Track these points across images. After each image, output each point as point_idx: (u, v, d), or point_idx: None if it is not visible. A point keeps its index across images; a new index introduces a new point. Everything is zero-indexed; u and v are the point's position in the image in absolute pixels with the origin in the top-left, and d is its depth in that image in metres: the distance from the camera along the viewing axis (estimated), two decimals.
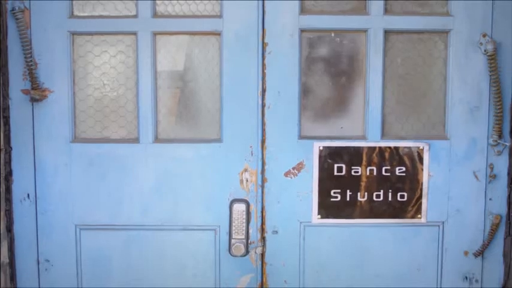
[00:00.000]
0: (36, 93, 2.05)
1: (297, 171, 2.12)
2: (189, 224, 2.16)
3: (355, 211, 2.15)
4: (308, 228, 2.15)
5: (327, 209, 2.14)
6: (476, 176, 2.15)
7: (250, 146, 2.11)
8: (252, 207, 2.14)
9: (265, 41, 2.07)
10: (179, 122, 2.18)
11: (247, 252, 2.14)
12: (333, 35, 2.12)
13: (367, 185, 2.14)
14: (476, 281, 2.20)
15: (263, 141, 2.12)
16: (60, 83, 2.10)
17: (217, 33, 2.09)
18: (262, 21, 2.07)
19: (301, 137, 2.13)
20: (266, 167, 2.12)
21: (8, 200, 2.11)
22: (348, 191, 2.14)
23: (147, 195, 2.14)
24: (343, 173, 2.13)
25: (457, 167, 2.15)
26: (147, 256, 2.18)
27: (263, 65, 2.08)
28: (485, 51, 2.07)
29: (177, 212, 2.15)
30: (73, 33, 2.10)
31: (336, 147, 2.12)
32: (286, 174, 2.13)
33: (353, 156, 2.13)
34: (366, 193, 2.14)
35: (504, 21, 2.08)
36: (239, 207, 2.12)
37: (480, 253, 2.17)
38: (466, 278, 2.20)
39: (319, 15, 2.10)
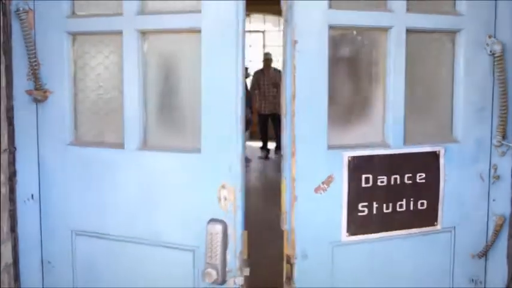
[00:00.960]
0: (39, 93, 1.99)
1: (326, 186, 1.88)
2: (167, 242, 1.91)
3: (380, 224, 1.98)
4: (337, 249, 1.93)
5: (355, 224, 1.94)
6: (482, 178, 2.13)
7: (229, 160, 1.81)
8: (230, 230, 1.83)
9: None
10: (165, 127, 1.99)
11: (223, 281, 1.81)
12: (355, 33, 1.92)
13: (392, 194, 1.98)
14: (481, 282, 2.18)
15: (293, 154, 1.84)
16: (58, 84, 1.99)
17: (197, 31, 1.79)
18: None
19: (330, 146, 1.89)
20: (295, 184, 1.84)
21: (12, 201, 2.07)
22: (374, 203, 1.96)
23: (129, 205, 1.93)
24: (370, 184, 1.95)
25: (466, 169, 2.09)
26: (127, 269, 1.98)
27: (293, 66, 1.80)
28: (491, 51, 2.06)
29: (157, 226, 1.91)
30: (69, 33, 1.97)
31: (364, 156, 1.93)
32: (317, 190, 1.87)
33: (378, 165, 1.95)
34: (390, 204, 1.98)
35: (510, 21, 2.07)
36: (213, 229, 1.79)
37: (484, 254, 2.15)
38: (472, 280, 2.18)
39: (347, 10, 1.87)
